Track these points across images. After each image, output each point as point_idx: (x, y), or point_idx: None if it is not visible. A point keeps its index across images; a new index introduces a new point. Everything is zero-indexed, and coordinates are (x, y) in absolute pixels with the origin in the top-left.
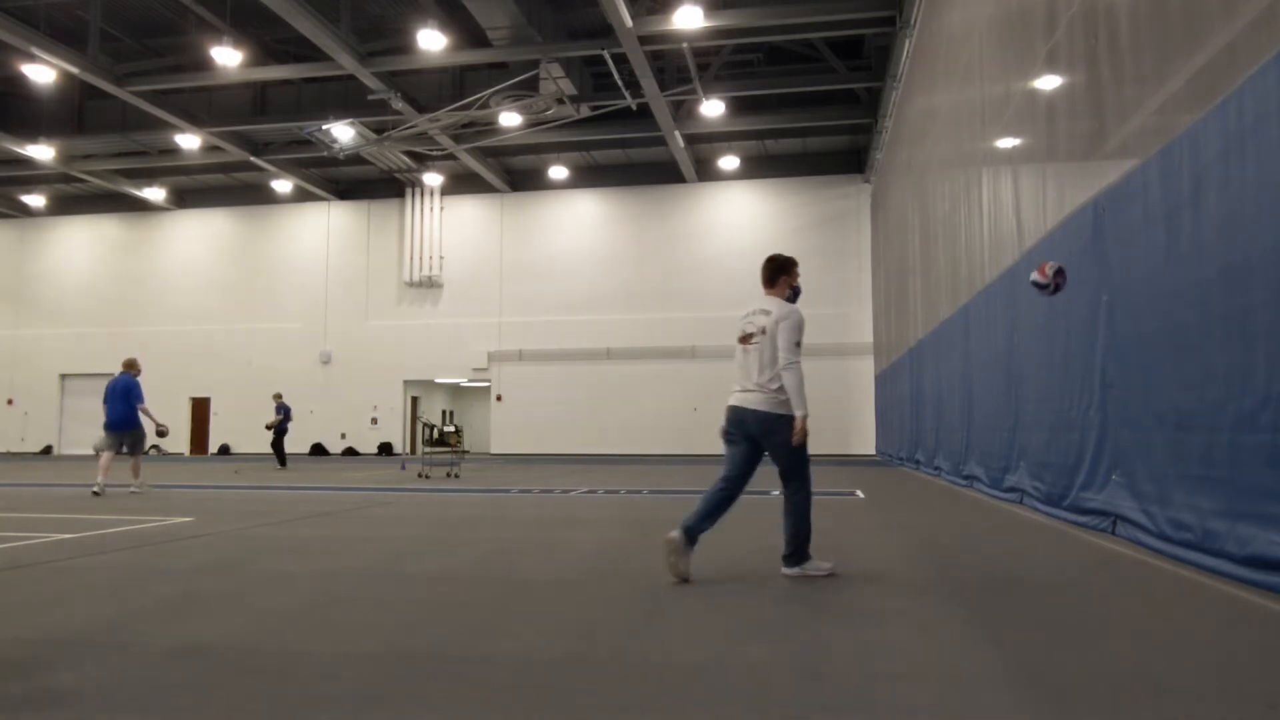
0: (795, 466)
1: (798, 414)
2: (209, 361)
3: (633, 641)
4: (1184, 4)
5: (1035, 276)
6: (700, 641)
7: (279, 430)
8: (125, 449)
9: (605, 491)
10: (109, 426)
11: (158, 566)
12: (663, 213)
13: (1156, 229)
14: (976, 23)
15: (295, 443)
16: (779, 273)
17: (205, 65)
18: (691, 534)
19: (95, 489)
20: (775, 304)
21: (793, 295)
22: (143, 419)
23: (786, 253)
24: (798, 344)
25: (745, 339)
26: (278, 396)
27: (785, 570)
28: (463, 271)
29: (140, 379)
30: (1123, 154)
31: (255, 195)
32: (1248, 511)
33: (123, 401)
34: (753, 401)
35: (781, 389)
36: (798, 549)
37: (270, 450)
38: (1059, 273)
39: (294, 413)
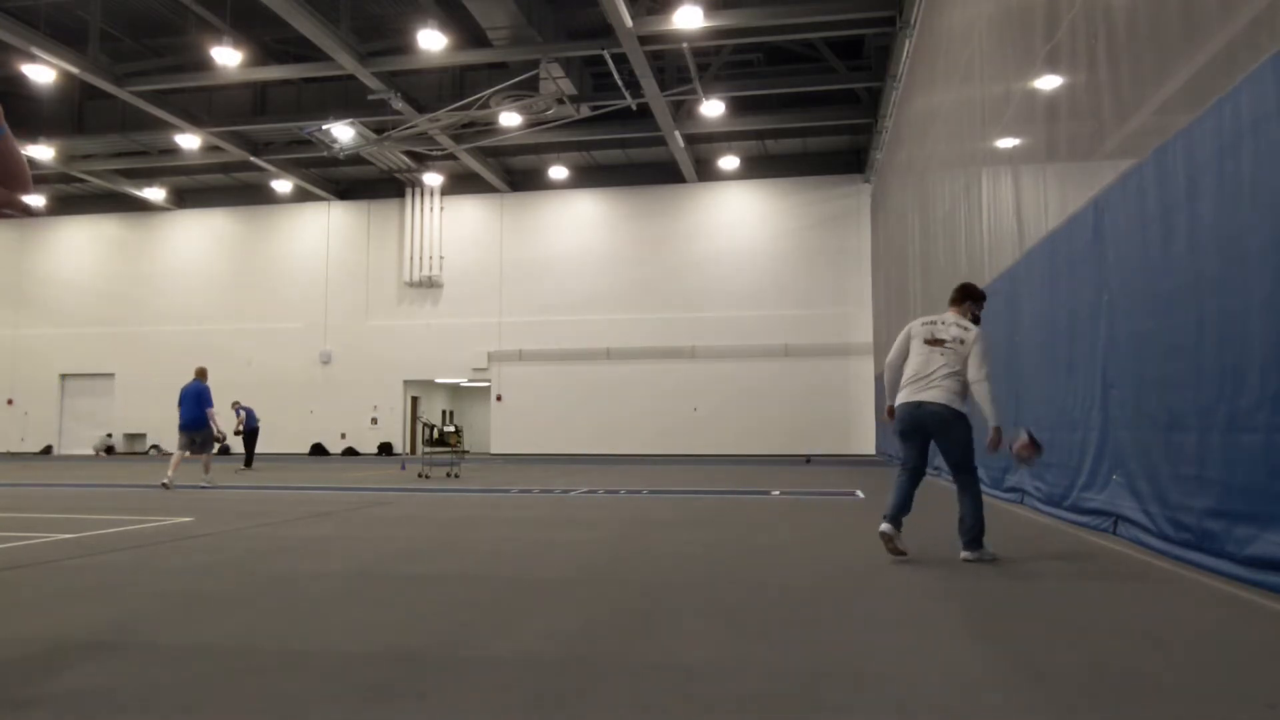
0: (968, 461)
1: (993, 424)
2: (209, 361)
3: (633, 641)
4: (1183, 4)
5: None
6: (700, 642)
7: (249, 432)
8: (193, 447)
9: (605, 491)
10: (182, 427)
11: (158, 566)
12: (663, 213)
13: (1154, 229)
14: (976, 22)
15: (295, 443)
16: (967, 297)
17: (205, 65)
18: (897, 520)
19: (165, 482)
20: (970, 324)
21: (975, 320)
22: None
23: (786, 253)
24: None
25: (936, 342)
26: (235, 404)
27: (965, 554)
28: (463, 271)
29: (209, 384)
30: (1122, 154)
31: (255, 195)
32: (1247, 511)
33: (194, 405)
34: (936, 397)
35: (961, 393)
36: (977, 535)
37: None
38: (1027, 446)
39: (287, 412)
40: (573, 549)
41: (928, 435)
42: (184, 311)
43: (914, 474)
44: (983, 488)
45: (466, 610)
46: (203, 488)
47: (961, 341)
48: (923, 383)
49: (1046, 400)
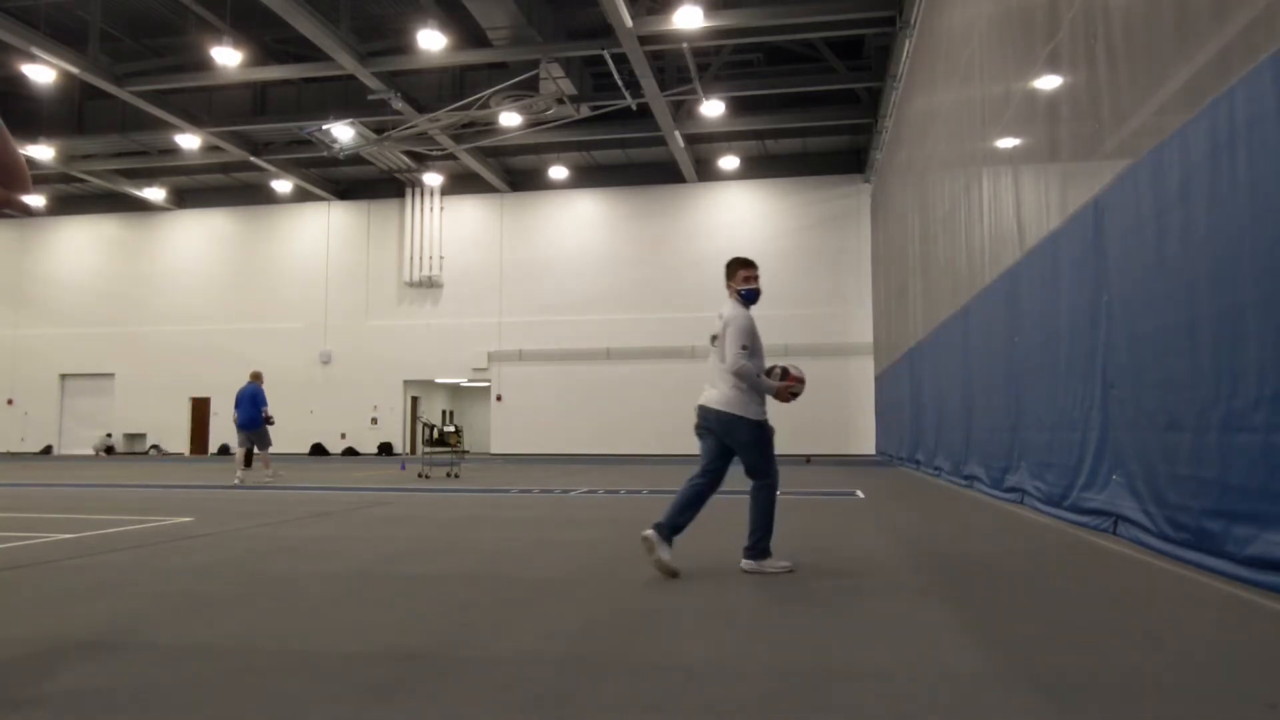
0: (758, 464)
1: (773, 386)
2: (209, 361)
3: (632, 641)
4: (1182, 5)
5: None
6: (700, 642)
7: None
8: (254, 446)
9: (605, 491)
10: (240, 427)
11: (158, 566)
12: (663, 213)
13: (1153, 228)
14: (976, 23)
15: (296, 442)
16: (727, 274)
17: (205, 65)
18: (664, 529)
19: (237, 479)
20: (728, 306)
21: (747, 296)
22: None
23: (786, 252)
24: (744, 348)
25: (713, 339)
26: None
27: (743, 564)
28: (463, 271)
29: (264, 386)
30: (1121, 154)
31: (255, 195)
32: (1246, 511)
33: (250, 406)
34: (713, 400)
35: (736, 389)
36: (757, 543)
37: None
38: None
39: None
40: (573, 549)
41: (719, 439)
42: (184, 311)
43: (704, 478)
44: (982, 488)
45: (466, 610)
46: (268, 481)
47: (720, 334)
48: (708, 384)
49: (1046, 400)
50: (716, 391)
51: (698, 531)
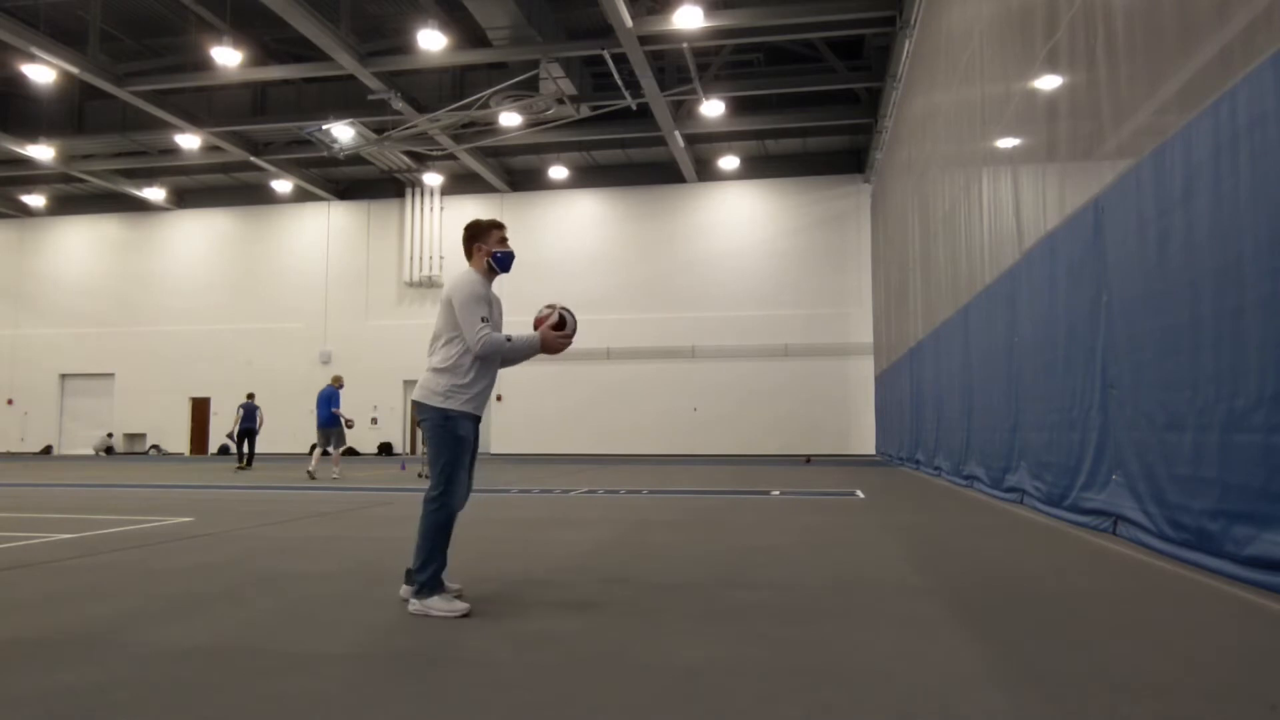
0: (434, 463)
1: (537, 342)
2: (209, 361)
3: (633, 641)
4: (1182, 4)
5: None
6: (700, 642)
7: (245, 431)
8: (332, 445)
9: (605, 491)
10: (320, 426)
11: (158, 566)
12: (663, 213)
13: (1153, 228)
14: (976, 23)
15: (295, 443)
16: (470, 242)
17: (205, 65)
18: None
19: (310, 472)
20: (452, 277)
21: (500, 260)
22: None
23: (786, 252)
24: (484, 319)
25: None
26: (251, 396)
27: (402, 591)
28: None
29: (341, 390)
30: (1121, 154)
31: (255, 195)
32: (1245, 511)
33: (327, 407)
34: (416, 390)
35: (436, 372)
36: (422, 576)
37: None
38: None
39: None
40: (572, 549)
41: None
42: (184, 311)
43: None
44: (982, 488)
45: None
46: (334, 479)
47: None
48: None
49: (1046, 400)
50: (420, 382)
51: (699, 531)
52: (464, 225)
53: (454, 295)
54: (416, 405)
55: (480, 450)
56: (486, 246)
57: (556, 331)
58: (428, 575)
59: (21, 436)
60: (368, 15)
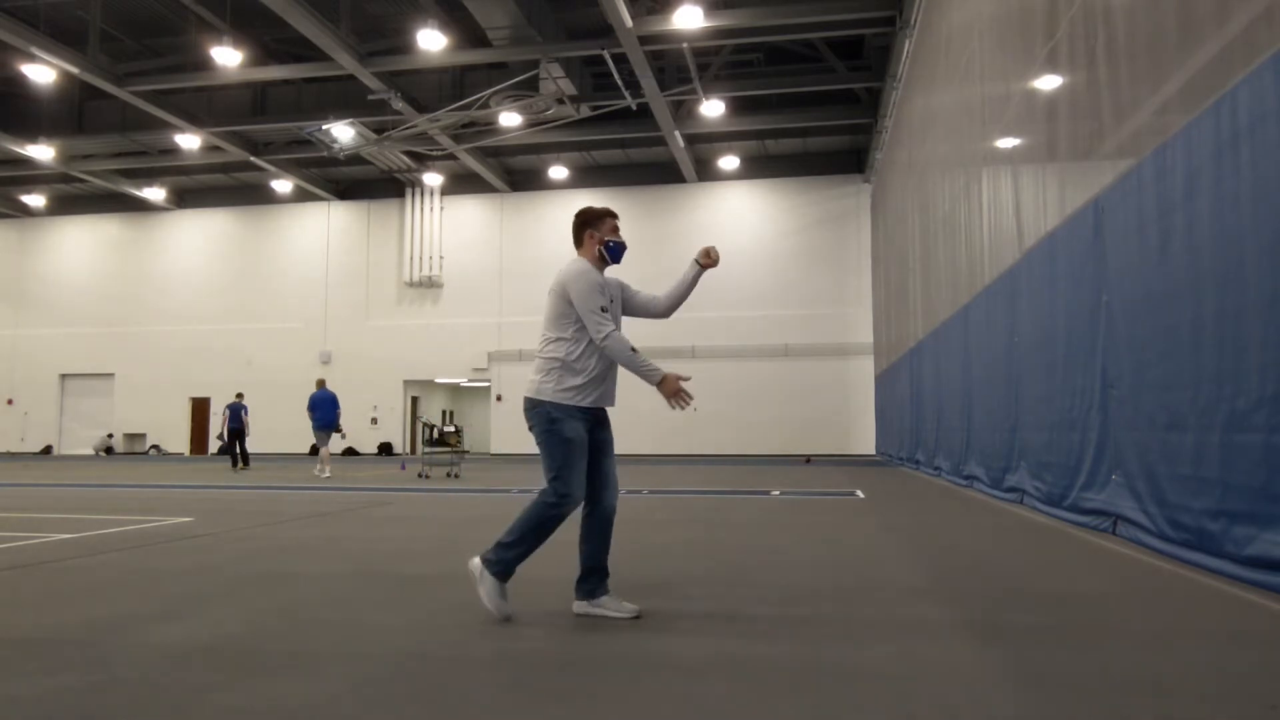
0: (545, 465)
1: (656, 381)
2: (209, 361)
3: (632, 641)
4: (1182, 4)
5: None
6: (700, 642)
7: (234, 432)
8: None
9: None
10: (322, 427)
11: (158, 566)
12: (663, 213)
13: (1153, 229)
14: (976, 23)
15: (295, 442)
16: (581, 229)
17: (205, 65)
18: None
19: (325, 475)
20: (564, 267)
21: (612, 250)
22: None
23: (786, 252)
24: (603, 309)
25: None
26: (240, 395)
27: (472, 563)
28: (463, 271)
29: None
30: (1121, 154)
31: (255, 195)
32: (1245, 511)
33: (329, 408)
34: (527, 389)
35: (544, 363)
36: (501, 545)
37: (238, 451)
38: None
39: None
40: (572, 548)
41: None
42: (184, 311)
43: (587, 504)
44: (982, 488)
45: (466, 610)
46: (333, 485)
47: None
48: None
49: (1046, 400)
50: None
51: (699, 531)
52: (575, 211)
53: (569, 286)
54: (525, 401)
55: (480, 450)
56: (600, 234)
57: (683, 380)
58: (501, 557)
59: (21, 436)
60: (368, 15)
